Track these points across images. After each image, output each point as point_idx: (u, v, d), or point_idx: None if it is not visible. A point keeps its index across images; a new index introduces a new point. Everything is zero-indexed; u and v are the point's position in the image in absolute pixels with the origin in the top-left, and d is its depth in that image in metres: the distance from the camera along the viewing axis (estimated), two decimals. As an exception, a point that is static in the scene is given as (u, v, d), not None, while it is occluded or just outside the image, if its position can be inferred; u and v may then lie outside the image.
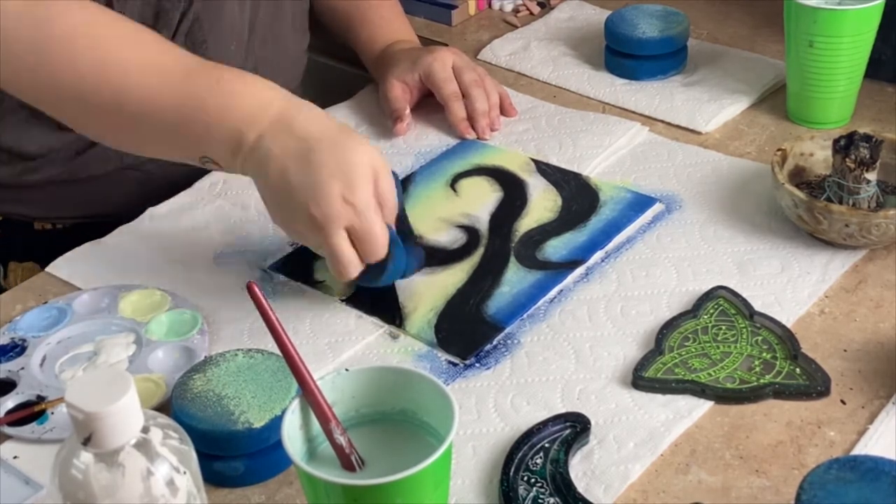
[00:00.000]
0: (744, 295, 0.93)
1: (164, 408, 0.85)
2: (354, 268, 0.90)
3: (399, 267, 0.94)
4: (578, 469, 0.80)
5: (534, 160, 1.14)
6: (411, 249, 0.96)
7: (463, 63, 1.22)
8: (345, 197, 0.88)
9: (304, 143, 0.90)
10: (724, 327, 0.90)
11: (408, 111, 1.21)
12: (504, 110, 1.22)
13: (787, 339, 0.89)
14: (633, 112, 1.23)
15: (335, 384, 0.72)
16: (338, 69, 1.56)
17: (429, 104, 1.25)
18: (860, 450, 0.79)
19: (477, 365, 0.90)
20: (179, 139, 0.94)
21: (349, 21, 1.32)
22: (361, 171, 0.89)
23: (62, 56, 0.92)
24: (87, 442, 0.58)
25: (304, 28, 1.31)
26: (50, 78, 0.92)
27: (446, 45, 1.41)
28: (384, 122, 1.23)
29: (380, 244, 0.90)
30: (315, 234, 0.90)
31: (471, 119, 1.19)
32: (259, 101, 0.92)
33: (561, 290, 0.97)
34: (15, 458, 0.83)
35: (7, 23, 0.90)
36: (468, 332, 0.93)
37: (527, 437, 0.81)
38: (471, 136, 1.19)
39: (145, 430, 0.60)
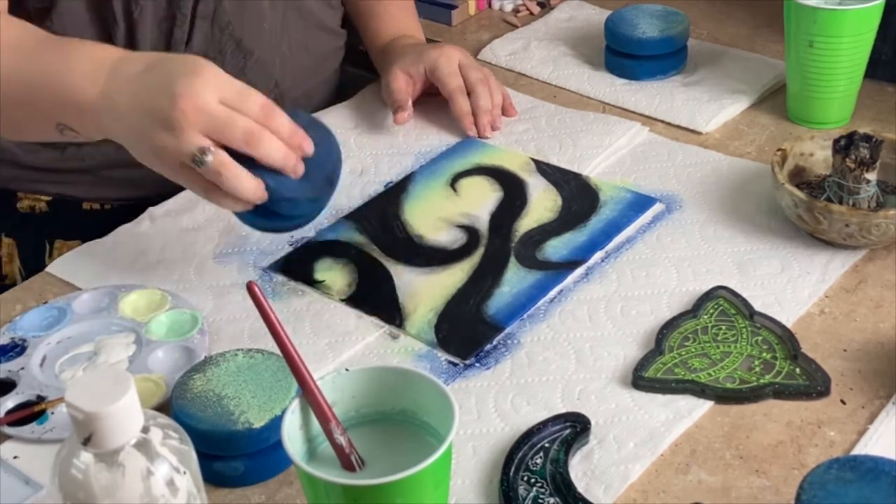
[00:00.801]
0: (744, 295, 0.93)
1: (164, 408, 0.85)
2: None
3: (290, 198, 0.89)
4: (578, 469, 0.80)
5: (534, 160, 1.14)
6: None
7: (468, 61, 1.23)
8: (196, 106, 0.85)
9: (144, 76, 0.88)
10: (724, 327, 0.90)
11: (409, 102, 1.21)
12: (505, 110, 1.22)
13: (787, 339, 0.89)
14: (633, 112, 1.23)
15: (335, 384, 0.72)
16: (339, 69, 1.56)
17: (429, 104, 1.25)
18: (860, 450, 0.79)
19: (477, 365, 0.90)
20: (35, 113, 0.94)
21: (359, 14, 1.34)
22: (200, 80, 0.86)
23: None
24: (87, 442, 0.58)
25: (335, 27, 1.32)
26: None
27: (446, 45, 1.41)
28: (385, 122, 1.23)
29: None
30: (176, 160, 0.87)
31: (474, 115, 1.20)
32: (95, 57, 0.92)
33: (561, 290, 0.97)
34: (15, 458, 0.83)
35: None
36: (468, 333, 0.93)
37: (527, 437, 0.81)
38: (473, 132, 1.19)
39: (145, 430, 0.60)
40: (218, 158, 0.86)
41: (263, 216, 0.91)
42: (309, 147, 0.90)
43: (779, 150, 1.04)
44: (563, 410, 0.84)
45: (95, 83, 0.90)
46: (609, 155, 1.15)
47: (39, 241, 1.20)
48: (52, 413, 0.86)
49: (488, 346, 0.92)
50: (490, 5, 1.49)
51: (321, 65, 1.30)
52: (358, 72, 1.50)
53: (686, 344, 0.89)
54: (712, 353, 0.88)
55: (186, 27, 1.13)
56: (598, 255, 1.01)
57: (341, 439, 0.70)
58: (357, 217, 1.08)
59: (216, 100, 0.86)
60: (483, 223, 1.06)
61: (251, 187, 0.87)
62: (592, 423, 0.82)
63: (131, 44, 1.10)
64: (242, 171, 0.87)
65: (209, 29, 1.14)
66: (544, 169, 1.13)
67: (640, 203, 1.07)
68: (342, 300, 0.98)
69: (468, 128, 1.19)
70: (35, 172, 1.19)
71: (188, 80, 0.86)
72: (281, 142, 0.88)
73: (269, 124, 0.88)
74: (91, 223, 1.17)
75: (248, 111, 0.87)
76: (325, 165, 0.92)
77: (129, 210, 1.12)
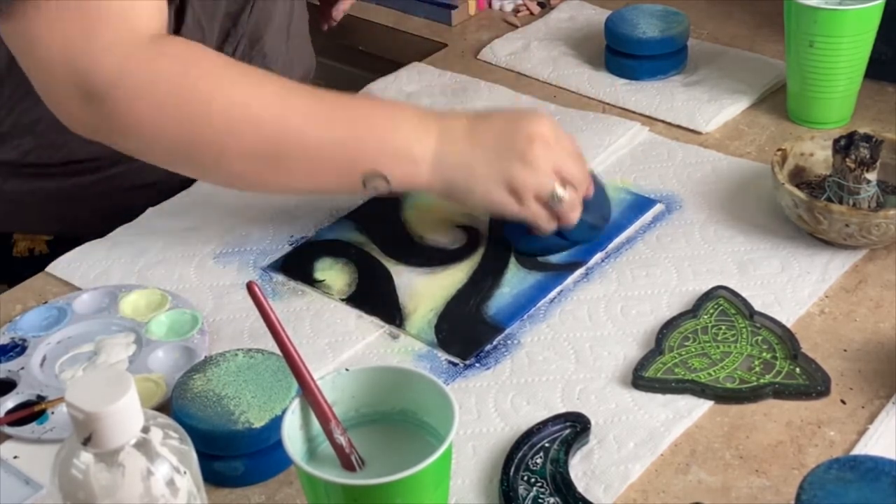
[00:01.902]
0: (744, 295, 0.93)
1: (164, 408, 0.85)
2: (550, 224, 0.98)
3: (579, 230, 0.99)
4: (578, 469, 0.80)
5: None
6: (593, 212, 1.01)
7: None
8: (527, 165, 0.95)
9: (485, 124, 0.98)
10: (724, 327, 0.90)
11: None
12: None
13: (787, 339, 0.89)
14: (633, 112, 1.23)
15: (335, 384, 0.72)
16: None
17: (429, 104, 1.25)
18: (860, 450, 0.79)
19: (477, 365, 0.90)
20: (339, 167, 0.96)
21: None
22: (537, 138, 0.96)
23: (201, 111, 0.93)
24: (87, 442, 0.58)
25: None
26: (192, 133, 0.93)
27: (446, 44, 1.41)
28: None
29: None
30: (514, 202, 0.96)
31: None
32: (416, 114, 0.98)
33: (561, 291, 0.97)
34: (15, 458, 0.83)
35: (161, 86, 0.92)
36: (468, 333, 0.93)
37: (527, 437, 0.81)
38: None
39: (145, 429, 0.60)
40: (571, 195, 0.96)
41: (545, 240, 1.00)
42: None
43: (779, 150, 1.04)
44: (563, 410, 0.84)
45: (429, 136, 0.96)
46: (609, 155, 1.15)
47: None
48: (52, 413, 0.86)
49: (488, 347, 0.92)
50: (490, 5, 1.49)
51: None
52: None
53: (686, 344, 0.89)
54: (712, 352, 0.88)
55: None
56: (598, 255, 1.01)
57: (341, 439, 0.70)
58: (357, 217, 1.08)
59: (556, 137, 0.97)
60: (483, 223, 1.06)
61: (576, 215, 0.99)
62: (592, 422, 0.82)
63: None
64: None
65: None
66: (544, 169, 1.13)
67: (641, 205, 1.07)
68: (342, 300, 0.98)
69: None
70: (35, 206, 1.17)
71: (539, 122, 0.97)
72: None
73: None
74: None
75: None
76: (603, 205, 1.03)
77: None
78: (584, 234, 1.00)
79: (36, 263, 1.11)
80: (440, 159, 0.95)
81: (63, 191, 1.17)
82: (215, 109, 0.93)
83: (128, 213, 1.11)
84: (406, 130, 0.96)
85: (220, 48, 1.12)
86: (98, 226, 1.09)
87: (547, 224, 0.98)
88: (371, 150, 0.95)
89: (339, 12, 1.39)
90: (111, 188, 1.17)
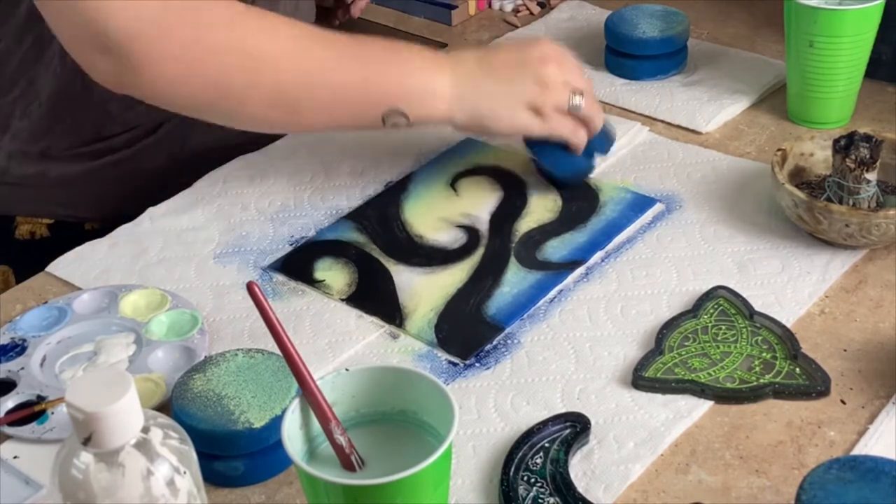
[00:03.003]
0: (744, 295, 0.93)
1: (164, 408, 0.85)
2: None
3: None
4: (578, 469, 0.80)
5: (534, 160, 1.14)
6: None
7: None
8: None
9: (494, 57, 1.04)
10: (724, 327, 0.90)
11: None
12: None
13: (787, 339, 0.89)
14: (633, 112, 1.23)
15: (335, 384, 0.72)
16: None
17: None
18: (860, 450, 0.79)
19: (477, 365, 0.90)
20: (359, 103, 1.00)
21: None
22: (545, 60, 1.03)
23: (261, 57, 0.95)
24: (87, 442, 0.58)
25: None
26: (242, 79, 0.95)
27: (446, 44, 1.41)
28: (384, 122, 1.23)
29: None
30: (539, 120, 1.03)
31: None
32: (427, 53, 1.03)
33: (561, 290, 0.97)
34: (15, 458, 0.83)
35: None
36: (468, 333, 0.93)
37: (527, 437, 0.81)
38: None
39: (145, 429, 0.60)
40: (587, 101, 1.03)
41: (577, 160, 1.08)
42: None
43: (779, 150, 1.04)
44: (563, 410, 0.84)
45: (443, 71, 1.01)
46: (609, 155, 1.15)
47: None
48: (52, 413, 0.86)
49: (488, 346, 0.92)
50: (490, 5, 1.49)
51: None
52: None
53: (686, 344, 0.89)
54: (712, 352, 0.88)
55: None
56: (598, 255, 1.01)
57: (341, 439, 0.70)
58: (357, 217, 1.08)
59: (561, 54, 1.04)
60: (483, 223, 1.06)
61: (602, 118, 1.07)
62: (592, 422, 0.82)
63: None
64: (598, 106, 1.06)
65: None
66: (544, 169, 1.13)
67: (641, 203, 1.07)
68: (342, 300, 0.98)
69: None
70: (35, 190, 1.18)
71: (544, 46, 1.03)
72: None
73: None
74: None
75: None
76: (607, 120, 1.11)
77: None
78: (604, 145, 1.09)
79: (37, 246, 1.11)
80: (459, 91, 1.01)
81: (66, 175, 1.17)
82: (234, 59, 0.94)
83: (130, 200, 1.11)
84: (421, 67, 1.01)
85: None
86: (99, 210, 1.09)
87: (574, 132, 1.04)
88: (390, 88, 0.99)
89: (357, 10, 1.41)
90: (115, 175, 1.17)
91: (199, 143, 1.19)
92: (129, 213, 1.11)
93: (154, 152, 1.18)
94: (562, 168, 1.08)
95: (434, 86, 1.00)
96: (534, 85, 1.02)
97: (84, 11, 0.90)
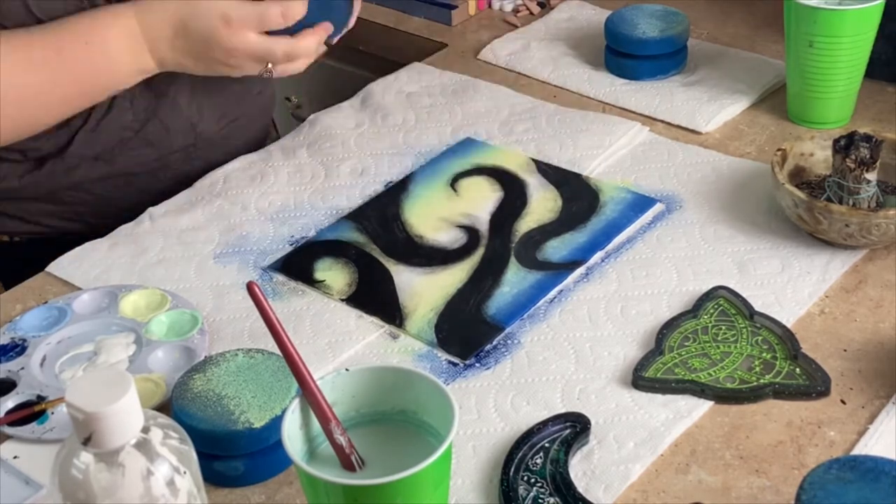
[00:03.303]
0: (744, 295, 0.93)
1: (164, 408, 0.85)
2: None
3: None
4: (578, 469, 0.80)
5: (534, 160, 1.14)
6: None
7: None
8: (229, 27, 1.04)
9: (182, 42, 1.05)
10: (724, 327, 0.91)
11: None
12: None
13: (787, 339, 0.89)
14: (633, 112, 1.23)
15: (335, 384, 0.72)
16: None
17: (429, 105, 1.25)
18: (860, 450, 0.79)
19: (477, 365, 0.90)
20: (74, 97, 1.05)
21: None
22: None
23: None
24: (87, 442, 0.58)
25: None
26: None
27: (446, 44, 1.41)
28: (385, 122, 1.23)
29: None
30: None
31: None
32: (123, 32, 1.04)
33: (561, 291, 0.97)
34: (15, 458, 0.83)
35: None
36: (468, 333, 0.93)
37: (527, 437, 0.81)
38: None
39: (145, 429, 0.60)
40: (279, 68, 1.08)
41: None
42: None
43: (779, 150, 1.04)
44: (563, 410, 0.84)
45: (143, 52, 1.05)
46: (609, 155, 1.15)
47: None
48: (52, 413, 0.86)
49: (488, 346, 0.92)
50: (490, 5, 1.49)
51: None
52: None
53: (686, 344, 0.89)
54: (712, 353, 0.88)
55: None
56: (598, 255, 1.01)
57: (341, 439, 0.70)
58: (357, 217, 1.08)
59: (252, 32, 1.04)
60: (483, 223, 1.06)
61: (312, 50, 1.10)
62: (592, 422, 0.82)
63: None
64: (300, 54, 1.09)
65: None
66: (544, 169, 1.13)
67: (641, 204, 1.07)
68: (342, 300, 0.98)
69: None
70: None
71: (225, 34, 1.04)
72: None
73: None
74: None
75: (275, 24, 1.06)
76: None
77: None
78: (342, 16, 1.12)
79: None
80: (163, 65, 1.07)
81: (60, 188, 1.17)
82: None
83: (132, 212, 1.11)
84: (124, 56, 1.04)
85: None
86: (102, 220, 1.10)
87: (281, 51, 1.07)
88: (104, 86, 1.06)
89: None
90: (119, 194, 1.18)
91: (207, 165, 1.20)
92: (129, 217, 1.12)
93: (162, 176, 1.18)
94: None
95: (142, 67, 1.05)
96: (224, 67, 1.07)
97: None
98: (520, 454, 0.79)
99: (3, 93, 1.00)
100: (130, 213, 1.12)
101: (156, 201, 1.13)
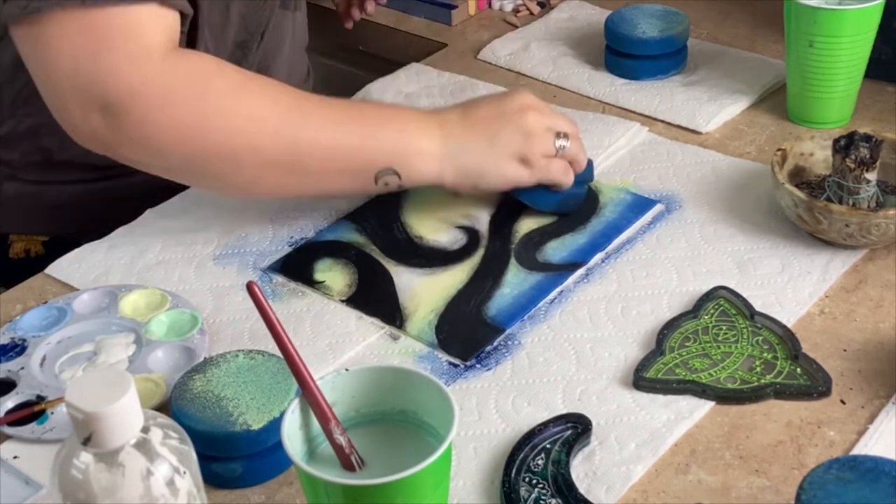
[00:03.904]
0: (744, 295, 0.93)
1: (163, 408, 0.85)
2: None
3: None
4: (580, 470, 0.80)
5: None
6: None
7: None
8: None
9: (476, 111, 1.03)
10: (724, 327, 0.90)
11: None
12: None
13: (787, 339, 0.89)
14: (633, 112, 1.23)
15: (335, 384, 0.72)
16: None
17: (428, 105, 1.25)
18: (860, 450, 0.79)
19: (478, 366, 0.90)
20: (354, 169, 1.00)
21: None
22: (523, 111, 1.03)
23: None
24: (87, 442, 0.58)
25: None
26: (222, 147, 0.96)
27: (446, 44, 1.41)
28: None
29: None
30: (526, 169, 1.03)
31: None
32: (417, 114, 1.03)
33: (561, 292, 0.97)
34: (15, 458, 0.83)
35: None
36: (469, 334, 0.93)
37: (528, 438, 0.81)
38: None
39: (145, 429, 0.60)
40: (572, 141, 1.04)
41: (555, 195, 1.06)
42: None
43: (779, 150, 1.04)
44: (564, 411, 0.84)
45: (432, 130, 1.01)
46: (609, 155, 1.15)
47: None
48: (52, 413, 0.86)
49: (489, 348, 0.92)
50: (490, 5, 1.49)
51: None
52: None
53: (687, 344, 0.89)
54: (713, 353, 0.88)
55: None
56: (599, 256, 1.01)
57: (341, 439, 0.70)
58: (357, 217, 1.08)
59: (539, 102, 1.05)
60: (483, 224, 1.06)
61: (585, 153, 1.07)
62: (594, 423, 0.82)
63: None
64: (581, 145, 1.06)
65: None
66: (544, 169, 1.13)
67: (640, 205, 1.07)
68: (342, 301, 0.98)
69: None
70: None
71: (520, 96, 1.04)
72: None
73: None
74: None
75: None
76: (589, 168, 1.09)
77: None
78: (589, 172, 1.08)
79: (32, 264, 1.11)
80: (448, 150, 1.01)
81: (62, 196, 1.17)
82: (234, 123, 0.95)
83: (128, 219, 1.11)
84: (412, 127, 1.01)
85: None
86: (97, 230, 1.09)
87: (565, 175, 1.04)
88: (384, 149, 0.99)
89: (371, 6, 1.43)
90: (111, 196, 1.17)
91: None
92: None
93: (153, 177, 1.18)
94: (549, 203, 1.06)
95: (425, 146, 1.00)
96: (517, 135, 1.01)
97: (78, 67, 0.90)
98: (521, 455, 0.79)
99: (310, 150, 0.98)
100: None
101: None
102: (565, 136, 1.03)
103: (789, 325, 0.90)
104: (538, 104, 1.04)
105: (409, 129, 1.01)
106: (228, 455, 0.80)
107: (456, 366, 0.90)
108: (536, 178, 1.03)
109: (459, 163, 1.01)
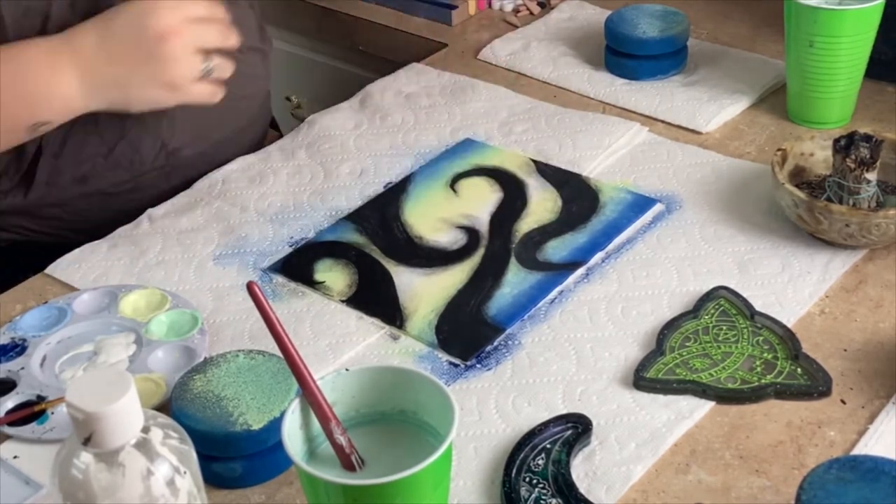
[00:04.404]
0: (744, 295, 0.93)
1: (164, 408, 0.85)
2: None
3: None
4: (580, 470, 0.80)
5: (534, 160, 1.14)
6: None
7: None
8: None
9: (110, 41, 1.00)
10: (724, 327, 0.90)
11: None
12: None
13: (787, 339, 0.89)
14: (633, 112, 1.23)
15: (335, 384, 0.72)
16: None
17: (428, 105, 1.25)
18: (860, 450, 0.79)
19: (478, 366, 0.90)
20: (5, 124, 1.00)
21: None
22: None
23: None
24: (87, 442, 0.58)
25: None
26: None
27: (446, 44, 1.41)
28: (384, 123, 1.23)
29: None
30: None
31: None
32: (48, 51, 1.00)
33: (561, 291, 0.97)
34: (15, 458, 0.83)
35: None
36: (469, 334, 0.93)
37: (528, 438, 0.81)
38: None
39: (145, 429, 0.60)
40: (216, 62, 1.02)
41: None
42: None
43: (779, 150, 1.04)
44: (564, 411, 0.84)
45: (64, 70, 0.98)
46: (609, 155, 1.15)
47: None
48: (52, 413, 0.86)
49: (489, 347, 0.92)
50: (490, 5, 1.49)
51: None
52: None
53: (687, 344, 0.89)
54: (713, 353, 0.88)
55: None
56: (599, 255, 1.01)
57: (341, 439, 0.70)
58: (357, 218, 1.08)
59: (182, 20, 1.00)
60: (483, 224, 1.06)
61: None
62: (594, 423, 0.82)
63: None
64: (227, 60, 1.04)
65: None
66: (544, 169, 1.13)
67: (641, 204, 1.07)
68: (342, 301, 0.98)
69: None
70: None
71: (161, 16, 0.99)
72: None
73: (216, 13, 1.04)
74: None
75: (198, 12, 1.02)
76: None
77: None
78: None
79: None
80: (87, 87, 1.00)
81: (61, 203, 1.17)
82: None
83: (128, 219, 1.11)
84: (45, 74, 0.99)
85: None
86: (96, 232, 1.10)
87: (211, 97, 1.04)
88: (24, 108, 1.00)
89: None
90: (116, 202, 1.18)
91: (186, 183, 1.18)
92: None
93: (158, 184, 1.18)
94: None
95: (64, 91, 0.99)
96: (159, 64, 1.00)
97: None
98: (521, 455, 0.79)
99: None
100: (110, 227, 1.11)
101: (137, 214, 1.12)
102: (213, 55, 1.02)
103: (789, 325, 0.90)
104: (178, 24, 1.00)
105: (42, 76, 0.99)
106: (228, 455, 0.80)
107: (456, 366, 0.90)
108: (183, 101, 1.03)
109: (102, 97, 1.01)
